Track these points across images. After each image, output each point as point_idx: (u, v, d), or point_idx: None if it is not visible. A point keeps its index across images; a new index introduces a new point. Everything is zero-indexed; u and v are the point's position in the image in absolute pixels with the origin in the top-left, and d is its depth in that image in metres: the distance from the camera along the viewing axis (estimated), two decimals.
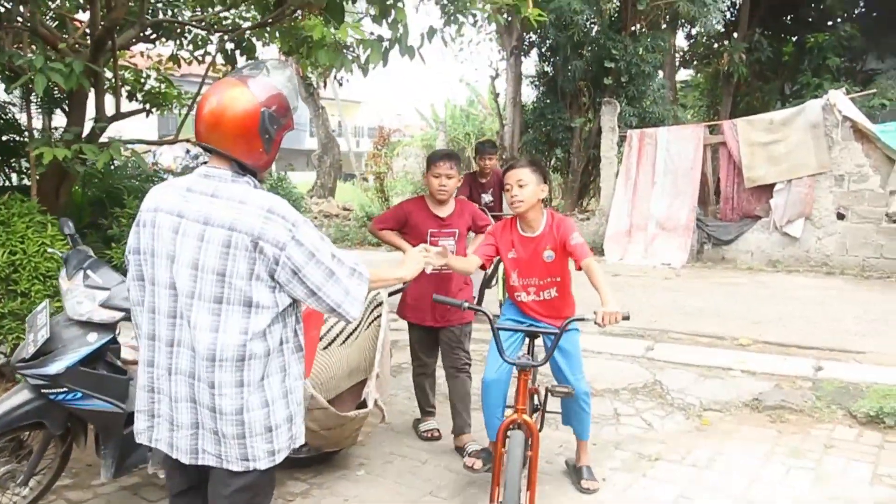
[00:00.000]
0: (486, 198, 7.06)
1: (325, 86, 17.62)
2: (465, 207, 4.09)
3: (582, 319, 3.08)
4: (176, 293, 2.00)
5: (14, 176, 6.77)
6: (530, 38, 13.33)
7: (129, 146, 5.75)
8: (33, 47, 5.36)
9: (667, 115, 12.63)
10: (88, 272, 3.06)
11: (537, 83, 13.57)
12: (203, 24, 6.85)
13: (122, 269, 5.47)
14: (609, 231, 11.38)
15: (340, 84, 17.32)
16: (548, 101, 13.29)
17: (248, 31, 6.81)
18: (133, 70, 7.56)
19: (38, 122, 7.14)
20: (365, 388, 3.59)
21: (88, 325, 3.01)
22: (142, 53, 7.96)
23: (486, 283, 6.39)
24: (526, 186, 3.24)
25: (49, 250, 4.05)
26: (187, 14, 7.27)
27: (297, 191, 17.58)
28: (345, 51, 4.20)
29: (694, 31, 15.32)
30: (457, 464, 3.82)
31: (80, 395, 2.97)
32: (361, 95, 42.26)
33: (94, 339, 2.99)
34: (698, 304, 7.67)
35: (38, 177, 5.64)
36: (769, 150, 10.11)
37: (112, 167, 7.42)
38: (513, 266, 3.44)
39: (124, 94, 7.67)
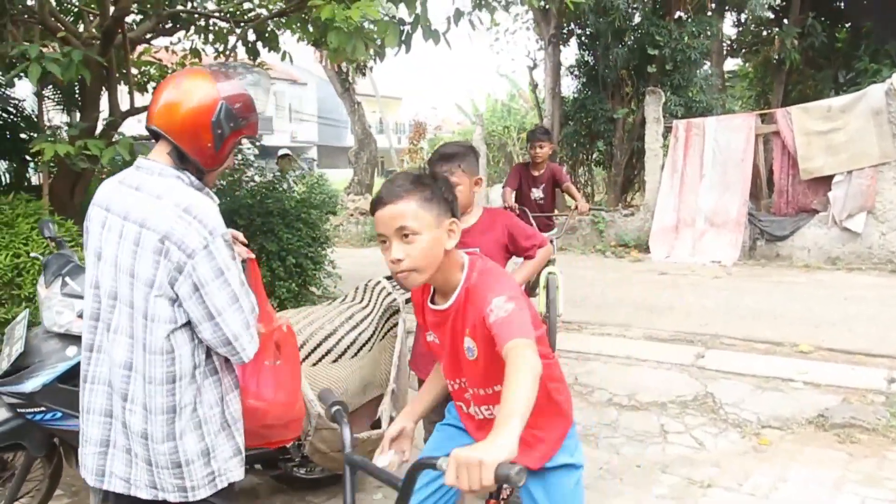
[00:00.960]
0: (537, 193, 5.98)
1: (363, 75, 17.36)
2: (497, 219, 2.99)
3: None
4: (99, 294, 1.86)
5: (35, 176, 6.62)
6: (569, 25, 12.81)
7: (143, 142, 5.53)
8: (54, 44, 5.13)
9: (715, 104, 11.99)
10: (67, 279, 2.77)
11: (577, 73, 13.01)
12: (223, 14, 6.60)
13: None
14: (655, 227, 10.84)
15: (363, 73, 17.01)
16: (588, 91, 12.74)
17: (269, 21, 6.54)
18: (158, 65, 7.39)
19: (61, 119, 7.00)
20: (380, 405, 3.26)
21: (67, 338, 2.73)
22: (166, 48, 7.80)
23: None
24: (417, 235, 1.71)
25: (32, 255, 3.78)
26: (209, 5, 7.03)
27: (334, 188, 17.52)
28: (361, 34, 3.83)
29: (742, 18, 14.60)
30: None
31: (59, 414, 2.68)
32: (402, 91, 42.21)
33: (74, 354, 2.70)
34: (752, 306, 7.12)
35: (51, 175, 5.46)
36: (827, 140, 9.44)
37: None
38: (438, 357, 2.00)
39: (149, 89, 7.55)
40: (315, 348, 3.26)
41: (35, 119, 6.25)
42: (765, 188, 10.60)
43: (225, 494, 1.94)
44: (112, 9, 4.97)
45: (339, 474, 3.41)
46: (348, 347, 3.32)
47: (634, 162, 12.58)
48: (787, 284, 8.26)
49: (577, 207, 5.92)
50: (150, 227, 1.75)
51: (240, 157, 6.65)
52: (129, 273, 1.78)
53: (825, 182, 9.56)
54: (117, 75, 5.61)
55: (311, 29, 6.23)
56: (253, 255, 2.20)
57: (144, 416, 1.81)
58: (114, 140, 4.66)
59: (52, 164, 5.21)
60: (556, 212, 6.56)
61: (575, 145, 13.24)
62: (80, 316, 2.69)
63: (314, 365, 3.24)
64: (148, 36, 6.83)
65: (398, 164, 15.62)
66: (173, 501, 1.85)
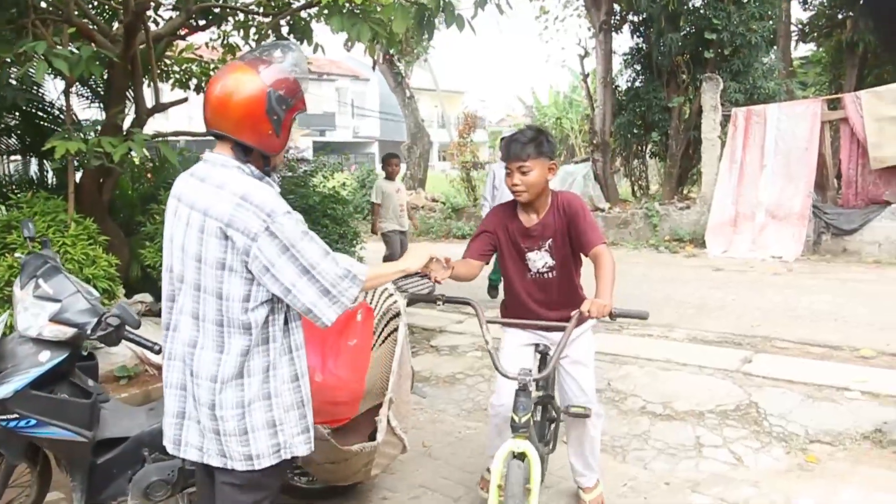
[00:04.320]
0: (536, 261, 3.71)
1: (397, 65, 17.23)
2: (560, 203, 2.83)
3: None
4: (172, 276, 2.00)
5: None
6: (621, 10, 12.30)
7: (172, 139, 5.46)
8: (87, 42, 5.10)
9: (778, 90, 11.30)
10: (40, 281, 2.64)
11: (630, 60, 12.50)
12: (253, 6, 6.50)
13: (154, 271, 5.18)
14: (712, 221, 10.33)
15: (393, 62, 16.87)
16: (642, 79, 12.23)
17: (299, 12, 6.41)
18: (200, 63, 7.38)
19: (97, 117, 7.03)
20: (378, 414, 3.04)
21: (41, 343, 2.60)
22: (207, 44, 7.79)
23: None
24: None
25: (17, 255, 3.71)
26: None
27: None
28: (366, 17, 3.61)
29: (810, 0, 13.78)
30: None
31: (33, 421, 2.57)
32: (465, 85, 42.03)
33: (47, 359, 2.58)
34: (812, 306, 6.61)
35: (79, 173, 5.45)
36: None
37: (178, 162, 7.26)
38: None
39: (192, 87, 7.55)
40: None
41: (62, 118, 6.28)
42: (832, 179, 9.94)
43: (281, 467, 2.05)
44: (133, 3, 4.89)
45: (338, 486, 3.23)
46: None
47: (691, 153, 12.03)
48: (854, 282, 7.67)
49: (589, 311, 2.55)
50: (213, 216, 1.86)
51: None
52: (195, 258, 1.90)
53: None
54: (144, 73, 5.54)
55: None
56: None
57: (211, 388, 1.92)
58: (128, 137, 4.58)
59: (79, 162, 5.18)
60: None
61: (629, 136, 12.74)
62: (53, 320, 2.58)
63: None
64: (183, 33, 6.85)
65: (447, 159, 15.40)
66: (240, 469, 1.96)
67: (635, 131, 12.58)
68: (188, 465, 2.55)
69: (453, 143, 14.80)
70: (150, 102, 5.74)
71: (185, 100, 5.93)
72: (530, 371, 2.49)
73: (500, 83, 58.58)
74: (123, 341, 2.71)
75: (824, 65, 15.40)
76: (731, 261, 9.41)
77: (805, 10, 14.69)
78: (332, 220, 5.79)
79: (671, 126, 11.77)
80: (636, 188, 13.54)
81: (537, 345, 2.99)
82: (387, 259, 7.40)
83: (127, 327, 2.64)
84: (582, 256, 2.88)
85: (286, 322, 2.00)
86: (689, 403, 4.31)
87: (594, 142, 12.44)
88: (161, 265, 5.05)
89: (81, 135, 4.60)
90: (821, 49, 15.60)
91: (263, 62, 1.94)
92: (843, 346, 5.25)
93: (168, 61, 7.33)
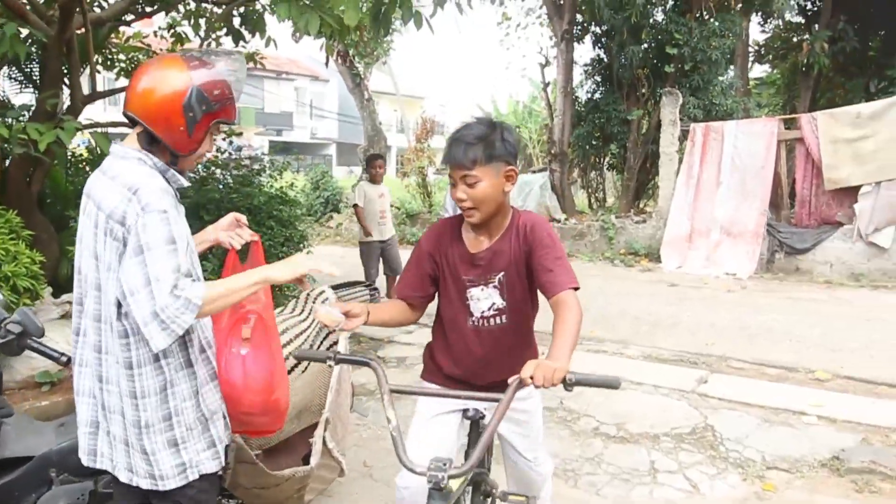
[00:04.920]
0: (481, 300, 3.27)
1: (353, 66, 16.98)
2: (520, 226, 2.16)
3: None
4: (81, 278, 1.89)
5: None
6: (583, 21, 12.25)
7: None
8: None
9: (736, 107, 11.36)
10: None
11: (591, 71, 12.45)
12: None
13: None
14: (667, 236, 10.29)
15: (352, 62, 16.61)
16: (603, 91, 12.19)
17: (253, 2, 6.12)
18: (147, 51, 7.03)
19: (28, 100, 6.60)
20: (314, 435, 2.79)
21: None
22: (155, 33, 7.44)
23: None
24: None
25: None
26: None
27: (338, 185, 17.12)
28: (317, 8, 3.36)
29: (769, 21, 13.95)
30: None
31: None
32: (425, 91, 41.90)
33: None
34: (766, 324, 6.56)
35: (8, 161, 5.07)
36: (855, 148, 8.83)
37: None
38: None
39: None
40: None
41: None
42: (786, 198, 9.99)
43: (202, 485, 1.94)
44: None
45: None
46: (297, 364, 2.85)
47: (648, 166, 12.01)
48: (806, 302, 7.67)
49: (532, 377, 1.79)
50: (105, 210, 1.77)
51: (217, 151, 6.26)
52: (93, 255, 1.81)
53: (851, 193, 8.97)
54: (83, 59, 5.17)
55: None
56: (258, 237, 2.21)
57: (119, 395, 1.85)
58: (57, 125, 4.23)
59: (2, 149, 4.80)
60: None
61: (587, 147, 12.69)
62: None
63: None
64: (129, 19, 6.48)
65: (404, 164, 15.18)
66: (145, 488, 1.88)
67: (594, 143, 12.54)
68: (101, 487, 2.30)
69: (410, 148, 14.54)
70: (88, 90, 5.38)
71: (125, 89, 5.55)
72: (447, 463, 1.60)
73: (461, 89, 58.62)
74: (27, 350, 2.41)
75: (779, 86, 15.62)
76: (685, 276, 9.38)
77: (762, 31, 14.93)
78: (277, 222, 5.48)
79: (629, 139, 11.75)
80: (593, 200, 13.50)
81: (466, 410, 2.24)
82: (365, 275, 7.09)
83: (31, 335, 2.34)
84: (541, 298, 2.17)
85: (188, 332, 1.85)
86: (644, 425, 4.15)
87: (552, 151, 12.34)
88: None
89: (5, 120, 4.24)
90: (775, 71, 15.83)
91: (201, 62, 1.88)
92: (798, 368, 5.17)
93: (113, 49, 6.97)
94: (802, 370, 5.12)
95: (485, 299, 2.19)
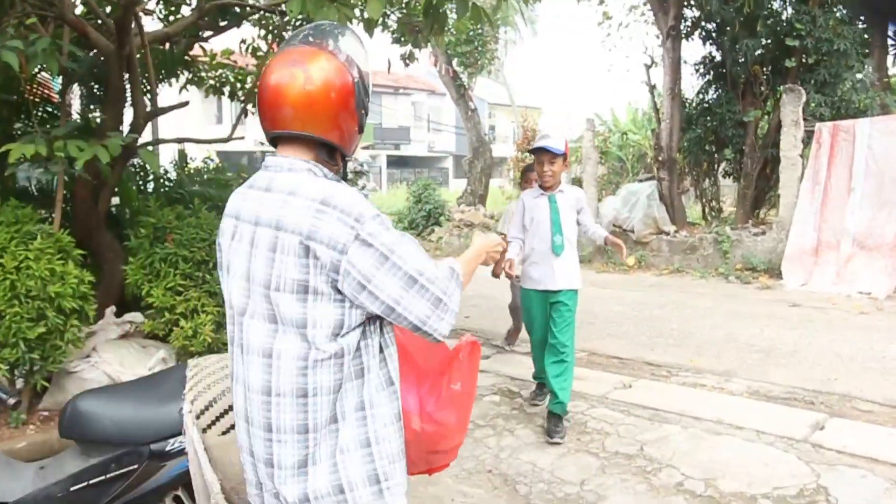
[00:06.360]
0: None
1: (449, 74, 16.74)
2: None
3: None
4: (234, 313, 1.65)
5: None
6: (692, 15, 11.29)
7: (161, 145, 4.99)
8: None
9: (871, 104, 10.06)
10: None
11: (701, 70, 11.45)
12: (273, 5, 6.01)
13: (138, 290, 4.70)
14: (790, 249, 9.23)
15: (456, 73, 16.27)
16: (715, 91, 11.17)
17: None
18: (233, 68, 7.02)
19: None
20: None
21: None
22: (240, 49, 7.42)
23: None
24: None
25: None
26: None
27: (441, 198, 16.90)
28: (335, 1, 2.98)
29: None
30: None
31: None
32: (542, 101, 41.44)
33: None
34: None
35: (68, 181, 5.05)
36: None
37: (191, 172, 6.85)
38: None
39: (225, 93, 7.17)
40: (224, 412, 2.42)
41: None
42: None
43: None
44: None
45: None
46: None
47: (768, 172, 10.88)
48: None
49: None
50: (288, 229, 1.52)
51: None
52: (264, 285, 1.55)
53: None
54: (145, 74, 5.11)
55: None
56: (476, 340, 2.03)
57: (302, 439, 1.56)
58: (103, 143, 4.09)
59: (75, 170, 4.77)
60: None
61: (699, 153, 11.69)
62: None
63: (224, 434, 2.41)
64: (207, 35, 6.44)
65: (504, 175, 14.72)
66: None
67: (706, 148, 11.53)
68: None
69: (512, 158, 14.03)
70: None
71: (187, 104, 5.46)
72: None
73: (578, 98, 57.43)
74: None
75: None
76: (810, 295, 8.31)
77: None
78: None
79: (746, 143, 10.67)
80: (707, 210, 12.44)
81: None
82: (512, 310, 6.07)
83: None
84: None
85: (381, 349, 1.63)
86: (739, 482, 3.44)
87: (660, 158, 11.45)
88: (144, 283, 4.41)
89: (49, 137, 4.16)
90: None
91: (334, 47, 1.65)
92: None
93: (201, 66, 6.99)
94: None
95: None
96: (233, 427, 2.43)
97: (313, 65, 1.60)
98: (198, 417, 2.37)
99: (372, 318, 1.60)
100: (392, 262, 1.52)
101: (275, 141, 1.67)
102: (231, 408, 2.43)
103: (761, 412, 4.36)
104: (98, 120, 5.52)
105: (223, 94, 7.11)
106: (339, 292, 1.52)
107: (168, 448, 2.39)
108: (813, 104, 9.72)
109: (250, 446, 1.64)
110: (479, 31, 16.75)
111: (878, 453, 3.67)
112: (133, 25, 4.87)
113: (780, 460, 3.67)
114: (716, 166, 12.09)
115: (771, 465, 3.61)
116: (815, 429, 4.05)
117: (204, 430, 2.38)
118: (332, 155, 1.67)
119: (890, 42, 12.79)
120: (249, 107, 6.79)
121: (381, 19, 6.20)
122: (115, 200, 5.84)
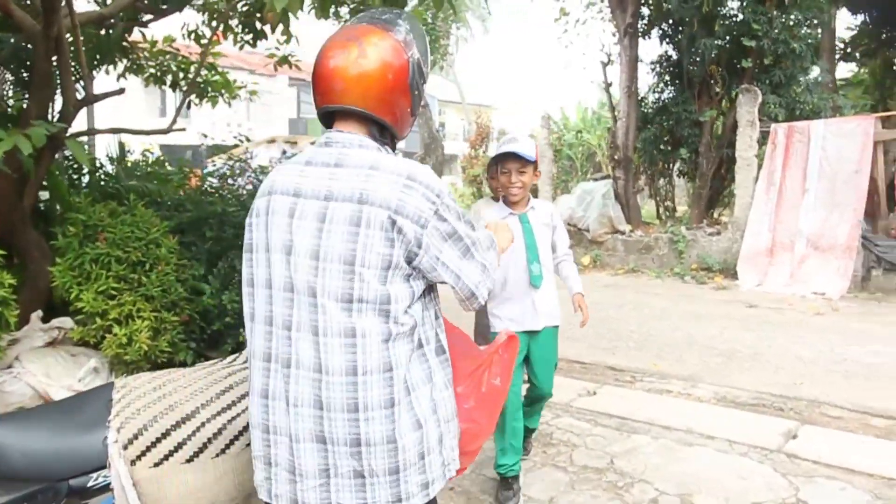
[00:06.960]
0: None
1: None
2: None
3: None
4: (293, 296, 1.57)
5: None
6: (649, 14, 11.25)
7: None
8: None
9: (824, 106, 10.18)
10: None
11: (658, 69, 11.43)
12: None
13: (66, 294, 4.29)
14: (745, 249, 9.26)
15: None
16: (671, 90, 11.16)
17: None
18: (176, 56, 6.60)
19: None
20: None
21: None
22: (183, 36, 6.99)
23: None
24: None
25: None
26: None
27: None
28: None
29: (856, 16, 12.68)
30: None
31: None
32: (493, 100, 41.43)
33: None
34: (866, 357, 5.52)
35: None
36: None
37: (129, 165, 6.41)
38: None
39: (167, 83, 6.75)
40: (159, 439, 2.11)
41: None
42: (884, 207, 8.84)
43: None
44: None
45: None
46: (212, 439, 2.16)
47: (723, 172, 10.93)
48: None
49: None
50: (375, 203, 1.52)
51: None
52: (341, 260, 1.53)
53: None
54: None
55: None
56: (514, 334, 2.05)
57: (389, 414, 1.57)
58: (25, 132, 3.68)
59: None
60: None
61: (654, 152, 11.68)
62: None
63: (156, 465, 2.10)
64: (147, 19, 6.02)
65: (457, 172, 14.53)
66: None
67: (662, 147, 11.52)
68: None
69: (464, 156, 13.84)
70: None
71: (122, 91, 5.05)
72: None
73: (528, 96, 57.81)
74: None
75: (867, 86, 14.30)
76: (765, 296, 8.31)
77: (847, 28, 13.68)
78: None
79: (702, 142, 10.69)
80: (661, 210, 12.45)
81: None
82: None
83: None
84: None
85: (436, 317, 1.72)
86: (716, 498, 3.26)
87: (615, 157, 11.38)
88: (73, 286, 3.97)
89: None
90: (863, 70, 14.50)
91: (395, 27, 1.66)
92: None
93: (142, 53, 6.54)
94: None
95: None
96: (166, 458, 2.12)
97: (369, 40, 1.62)
98: (125, 448, 2.06)
99: (427, 289, 1.66)
100: (458, 235, 1.62)
101: (327, 119, 1.68)
102: (165, 435, 2.13)
103: (731, 420, 4.22)
104: (23, 106, 5.08)
105: (165, 83, 6.69)
106: (410, 265, 1.57)
107: (90, 484, 2.06)
108: (768, 105, 9.77)
109: (318, 432, 1.58)
110: (432, 25, 16.54)
111: (855, 463, 3.54)
112: (63, 4, 4.46)
113: (755, 472, 3.51)
114: (671, 166, 12.11)
115: (747, 478, 3.45)
116: (787, 437, 3.92)
117: (133, 462, 2.07)
118: (382, 134, 1.68)
119: (838, 45, 13.05)
120: (192, 97, 6.41)
121: (333, 6, 5.90)
122: (45, 195, 5.40)
